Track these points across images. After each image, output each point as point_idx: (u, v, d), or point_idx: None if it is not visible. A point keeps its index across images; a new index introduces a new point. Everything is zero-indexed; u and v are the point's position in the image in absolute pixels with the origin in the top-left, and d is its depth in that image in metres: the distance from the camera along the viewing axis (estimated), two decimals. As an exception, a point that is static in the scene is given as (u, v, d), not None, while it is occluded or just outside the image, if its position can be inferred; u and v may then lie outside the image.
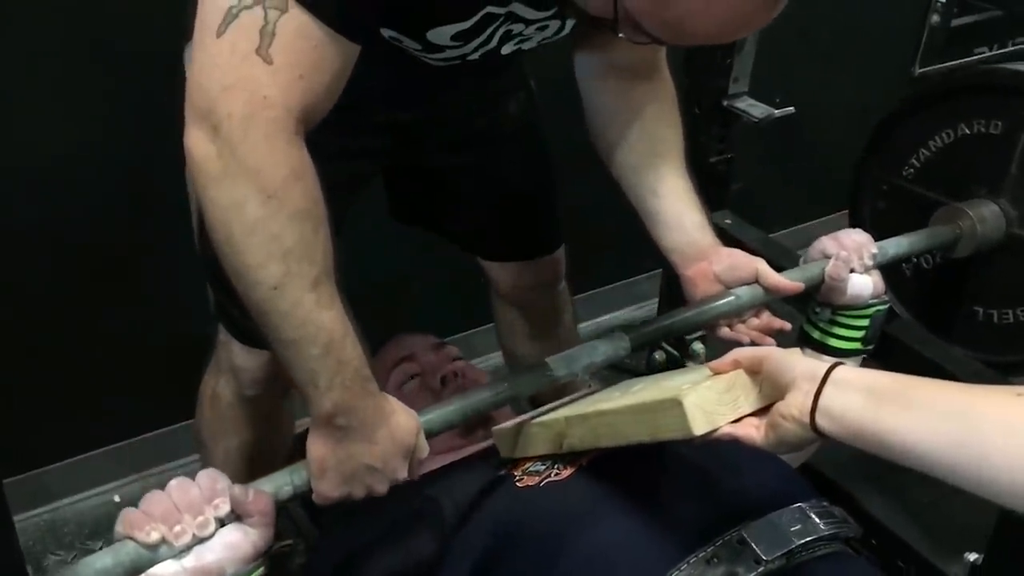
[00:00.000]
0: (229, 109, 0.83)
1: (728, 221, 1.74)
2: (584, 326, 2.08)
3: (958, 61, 2.57)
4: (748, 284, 1.23)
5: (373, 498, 1.00)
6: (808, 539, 0.97)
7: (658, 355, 2.09)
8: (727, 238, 1.29)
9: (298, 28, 0.85)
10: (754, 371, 0.91)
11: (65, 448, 1.89)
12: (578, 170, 1.52)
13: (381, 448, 0.95)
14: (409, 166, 1.42)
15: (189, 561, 0.83)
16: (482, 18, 1.01)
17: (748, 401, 0.91)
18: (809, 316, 1.35)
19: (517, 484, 1.09)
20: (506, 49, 1.10)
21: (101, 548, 1.75)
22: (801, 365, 0.86)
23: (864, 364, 1.33)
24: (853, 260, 1.27)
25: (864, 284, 1.28)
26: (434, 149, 1.37)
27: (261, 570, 0.88)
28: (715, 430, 0.89)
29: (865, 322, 1.30)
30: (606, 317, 2.46)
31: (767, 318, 1.26)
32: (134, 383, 1.86)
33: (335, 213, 0.91)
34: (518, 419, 1.17)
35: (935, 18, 2.46)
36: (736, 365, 0.93)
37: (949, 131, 1.68)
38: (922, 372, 0.84)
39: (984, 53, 2.62)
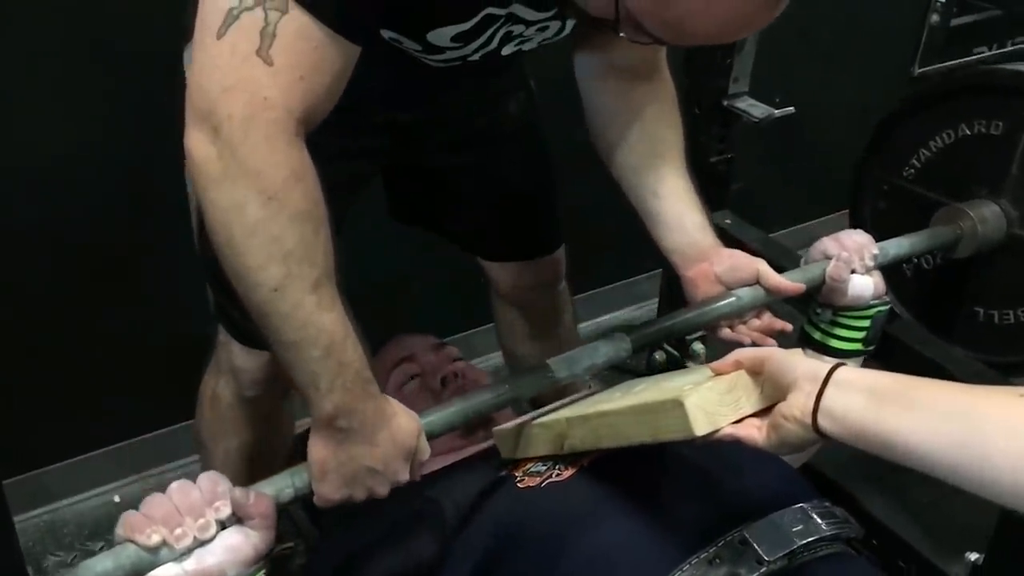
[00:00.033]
0: (229, 111, 0.83)
1: (728, 221, 1.74)
2: (584, 326, 2.08)
3: (958, 61, 2.57)
4: (749, 285, 1.23)
5: (374, 500, 0.99)
6: (810, 539, 0.97)
7: (658, 355, 2.09)
8: (727, 238, 1.29)
9: (298, 29, 0.84)
10: (756, 372, 0.91)
11: (65, 448, 1.89)
12: (578, 170, 1.51)
13: (382, 450, 0.95)
14: (409, 166, 1.42)
15: (190, 564, 0.83)
16: (482, 19, 1.00)
17: (750, 402, 0.91)
18: (810, 317, 1.34)
19: (518, 485, 1.09)
20: (506, 50, 1.09)
21: (101, 549, 1.76)
22: (803, 366, 0.86)
23: (865, 364, 1.33)
24: (854, 261, 1.27)
25: (865, 285, 1.27)
26: (434, 149, 1.37)
27: (262, 573, 0.88)
28: (717, 431, 0.89)
29: (866, 323, 1.30)
30: (606, 317, 2.46)
31: (768, 319, 1.26)
32: (134, 383, 1.86)
33: (335, 213, 0.91)
34: (519, 420, 1.17)
35: (935, 18, 2.46)
36: (738, 366, 0.93)
37: (950, 131, 1.68)
38: (923, 372, 0.84)
39: (983, 53, 2.62)
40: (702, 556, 0.95)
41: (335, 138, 0.93)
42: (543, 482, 1.07)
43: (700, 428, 0.88)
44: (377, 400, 0.95)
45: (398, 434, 0.96)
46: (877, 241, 1.33)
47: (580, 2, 0.95)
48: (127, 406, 1.88)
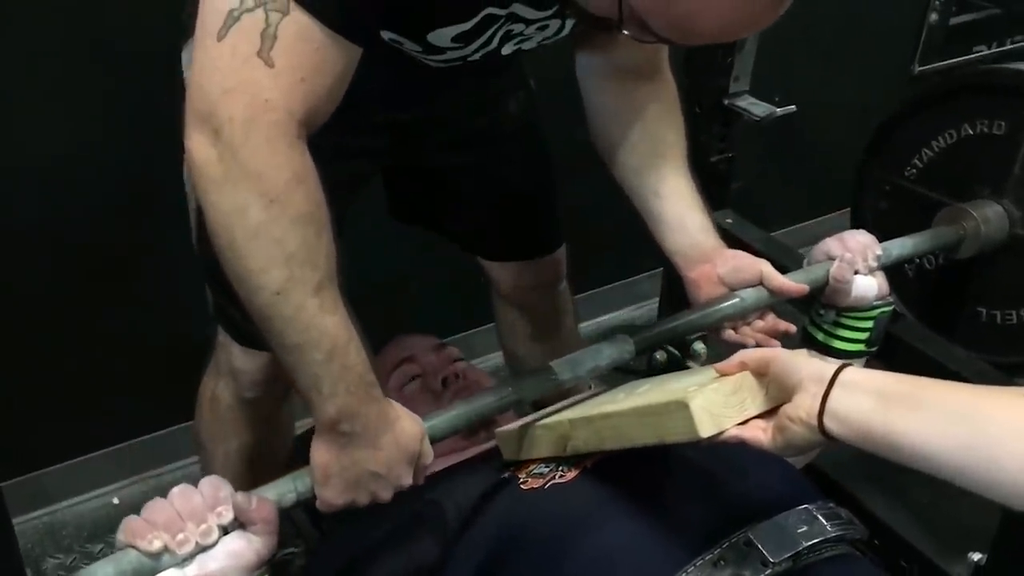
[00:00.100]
0: (230, 113, 0.83)
1: (729, 220, 1.74)
2: (584, 326, 2.08)
3: (957, 59, 2.57)
4: (752, 286, 1.22)
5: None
6: (815, 541, 0.97)
7: (659, 355, 2.08)
8: (728, 238, 1.29)
9: (299, 31, 0.84)
10: (761, 373, 0.91)
11: (64, 450, 1.89)
12: (578, 170, 1.51)
13: (385, 454, 0.95)
14: (409, 166, 1.42)
15: (192, 570, 0.83)
16: (483, 19, 1.00)
17: (755, 403, 0.91)
18: (813, 318, 1.34)
19: (521, 487, 1.08)
20: (506, 49, 1.09)
21: (100, 551, 1.76)
22: (808, 367, 0.86)
23: (868, 364, 1.32)
24: (857, 262, 1.26)
25: (868, 286, 1.27)
26: (434, 149, 1.37)
27: (265, 577, 0.88)
28: (721, 432, 0.89)
29: (869, 324, 1.29)
30: (606, 317, 2.46)
31: (772, 320, 1.26)
32: (133, 384, 1.86)
33: (335, 213, 0.91)
34: (521, 421, 1.17)
35: (934, 16, 2.46)
36: (742, 367, 0.92)
37: (952, 131, 1.68)
38: (926, 372, 0.84)
39: (983, 51, 2.62)
40: (707, 558, 0.94)
41: (335, 138, 0.92)
42: (546, 484, 1.07)
43: (705, 430, 0.87)
44: (380, 404, 0.95)
45: (401, 438, 0.96)
46: (879, 241, 1.33)
47: (583, 2, 0.94)
48: (126, 407, 1.88)
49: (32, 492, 1.86)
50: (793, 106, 1.75)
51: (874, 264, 1.28)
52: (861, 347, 1.31)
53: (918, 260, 1.74)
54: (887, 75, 2.50)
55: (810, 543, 0.96)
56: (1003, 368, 1.52)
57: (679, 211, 1.25)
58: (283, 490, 0.93)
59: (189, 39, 1.13)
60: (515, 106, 1.41)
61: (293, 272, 0.86)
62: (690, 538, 0.96)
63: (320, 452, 0.94)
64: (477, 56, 1.07)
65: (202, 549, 0.83)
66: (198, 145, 0.84)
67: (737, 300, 1.21)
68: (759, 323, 1.25)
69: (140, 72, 1.54)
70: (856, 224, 1.83)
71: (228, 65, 0.83)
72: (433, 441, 1.01)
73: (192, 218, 1.24)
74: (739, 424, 0.90)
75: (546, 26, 1.07)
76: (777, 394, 0.89)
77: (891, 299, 1.32)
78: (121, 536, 0.83)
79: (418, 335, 1.57)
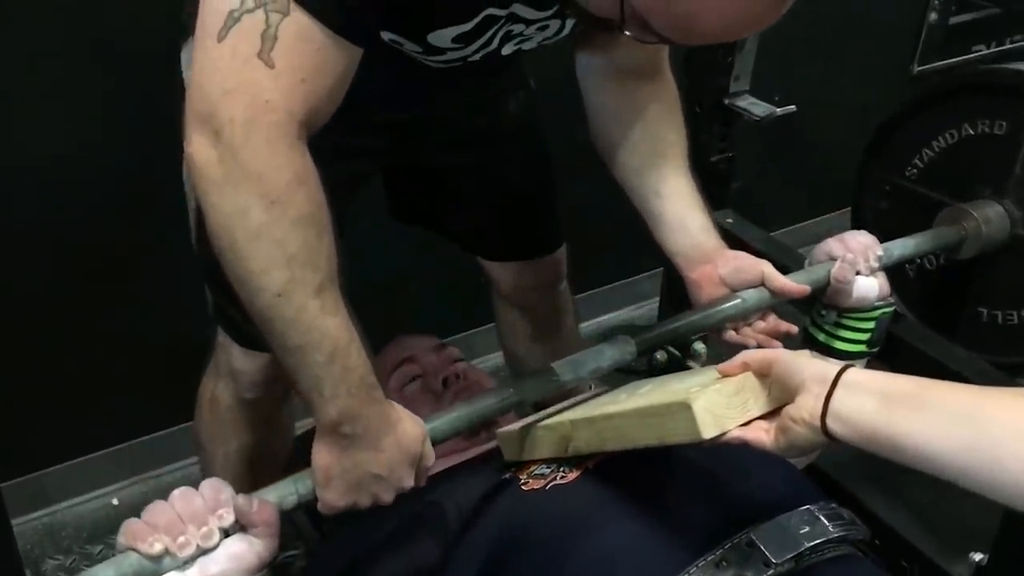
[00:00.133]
0: (231, 114, 0.82)
1: (730, 220, 1.73)
2: (585, 326, 2.08)
3: (957, 59, 2.57)
4: (754, 287, 1.22)
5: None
6: (817, 541, 0.96)
7: (660, 355, 2.08)
8: (729, 238, 1.29)
9: (300, 31, 0.84)
10: (763, 374, 0.91)
11: (63, 451, 1.88)
12: (578, 170, 1.51)
13: (387, 456, 0.94)
14: (409, 165, 1.41)
15: (193, 573, 0.82)
16: (483, 20, 1.00)
17: (757, 404, 0.90)
18: (814, 318, 1.34)
19: (522, 488, 1.08)
20: (507, 50, 1.09)
21: (100, 552, 1.75)
22: (811, 368, 0.86)
23: (869, 365, 1.32)
24: (859, 262, 1.26)
25: (870, 286, 1.27)
26: (434, 148, 1.36)
27: (266, 580, 0.88)
28: (724, 433, 0.88)
29: (871, 324, 1.29)
30: (606, 317, 2.46)
31: (773, 321, 1.25)
32: (133, 384, 1.86)
33: (335, 213, 0.90)
34: (522, 422, 1.16)
35: (933, 16, 2.47)
36: (745, 368, 0.92)
37: (953, 131, 1.68)
38: (928, 372, 0.84)
39: (982, 51, 2.62)
40: (709, 559, 0.94)
41: (334, 138, 0.92)
42: (547, 485, 1.06)
43: (708, 431, 0.87)
44: (382, 405, 0.95)
45: (403, 440, 0.96)
46: (880, 242, 1.32)
47: (584, 2, 0.94)
48: (126, 407, 1.88)
49: (31, 493, 1.86)
50: (793, 106, 1.75)
51: (875, 265, 1.28)
52: (862, 348, 1.31)
53: (919, 260, 1.74)
54: (887, 75, 2.50)
55: (812, 544, 0.96)
56: (1004, 368, 1.52)
57: (680, 212, 1.25)
58: (284, 492, 0.93)
59: (188, 38, 1.13)
60: (515, 106, 1.41)
61: (294, 274, 0.86)
62: (692, 539, 0.96)
63: (321, 454, 0.94)
64: (477, 57, 1.07)
65: (203, 552, 0.83)
66: (198, 146, 0.84)
67: (739, 301, 1.21)
68: (760, 324, 1.24)
69: (140, 72, 1.53)
70: (857, 224, 1.83)
71: (228, 66, 0.83)
72: (435, 443, 1.01)
73: (191, 218, 1.24)
74: (741, 425, 0.89)
75: (546, 26, 1.07)
76: (779, 395, 0.89)
77: (892, 300, 1.32)
78: (122, 539, 0.82)
79: (418, 335, 1.56)
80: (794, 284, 1.22)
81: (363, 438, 0.93)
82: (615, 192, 1.30)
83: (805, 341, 1.34)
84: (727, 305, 1.21)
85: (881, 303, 1.29)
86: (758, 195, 1.99)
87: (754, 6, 0.83)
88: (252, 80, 0.83)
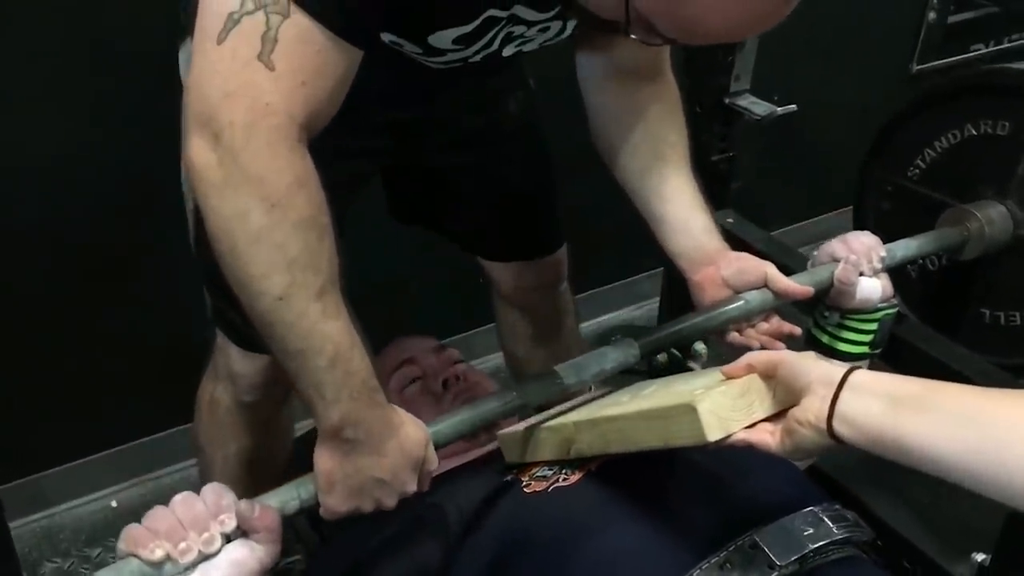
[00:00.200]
0: (231, 117, 0.82)
1: (731, 220, 1.73)
2: (585, 326, 2.07)
3: (956, 58, 2.57)
4: (757, 288, 1.21)
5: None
6: (821, 543, 0.96)
7: (660, 356, 2.08)
8: (730, 238, 1.28)
9: (300, 33, 0.83)
10: (768, 375, 0.90)
11: (62, 452, 1.87)
12: (578, 170, 1.51)
13: (390, 461, 0.94)
14: (409, 165, 1.41)
15: (194, 578, 0.82)
16: (484, 21, 0.99)
17: (763, 406, 0.90)
18: (817, 320, 1.33)
19: (524, 490, 1.07)
20: (507, 51, 1.08)
21: (99, 555, 1.75)
22: (816, 369, 0.86)
23: (871, 366, 1.32)
24: (862, 263, 1.26)
25: (873, 288, 1.26)
26: (434, 148, 1.36)
27: (267, 586, 0.87)
28: (729, 436, 0.88)
29: (874, 326, 1.29)
30: (606, 317, 2.46)
31: (777, 322, 1.25)
32: (133, 385, 1.85)
33: (335, 213, 0.90)
34: (524, 424, 1.16)
35: (932, 15, 2.47)
36: (750, 369, 0.92)
37: (955, 132, 1.68)
38: (930, 373, 0.83)
39: (981, 50, 2.62)
40: (712, 561, 0.94)
41: (334, 138, 0.91)
42: (550, 487, 1.06)
43: (713, 434, 0.87)
44: (384, 409, 0.94)
45: (406, 444, 0.95)
46: (882, 242, 1.32)
47: (589, 5, 0.93)
48: (125, 409, 1.87)
49: (29, 495, 1.85)
50: (794, 105, 1.74)
51: (878, 266, 1.28)
52: (865, 349, 1.30)
53: (921, 261, 1.74)
54: (887, 74, 2.50)
55: (816, 546, 0.96)
56: (1007, 370, 1.52)
57: (682, 213, 1.24)
58: (286, 497, 0.93)
59: (187, 39, 1.13)
60: (515, 106, 1.40)
61: (295, 277, 0.85)
62: (695, 541, 0.96)
63: (323, 459, 0.93)
64: (478, 58, 1.06)
65: (204, 558, 0.83)
66: (198, 149, 0.83)
67: (742, 303, 1.20)
68: (764, 325, 1.24)
69: (140, 72, 1.53)
70: (858, 225, 1.83)
71: (228, 68, 0.82)
72: (437, 446, 1.00)
73: (190, 220, 1.24)
74: (746, 427, 0.89)
75: (547, 28, 1.07)
76: (785, 397, 0.88)
77: (895, 301, 1.31)
78: (122, 545, 0.82)
79: (418, 337, 1.56)
80: (797, 285, 1.21)
81: (365, 443, 0.92)
82: (615, 192, 1.30)
83: (808, 343, 1.34)
84: (730, 307, 1.20)
85: (884, 304, 1.29)
86: (758, 195, 1.99)
87: (759, 7, 0.83)
88: (252, 82, 0.82)
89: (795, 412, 0.85)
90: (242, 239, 0.84)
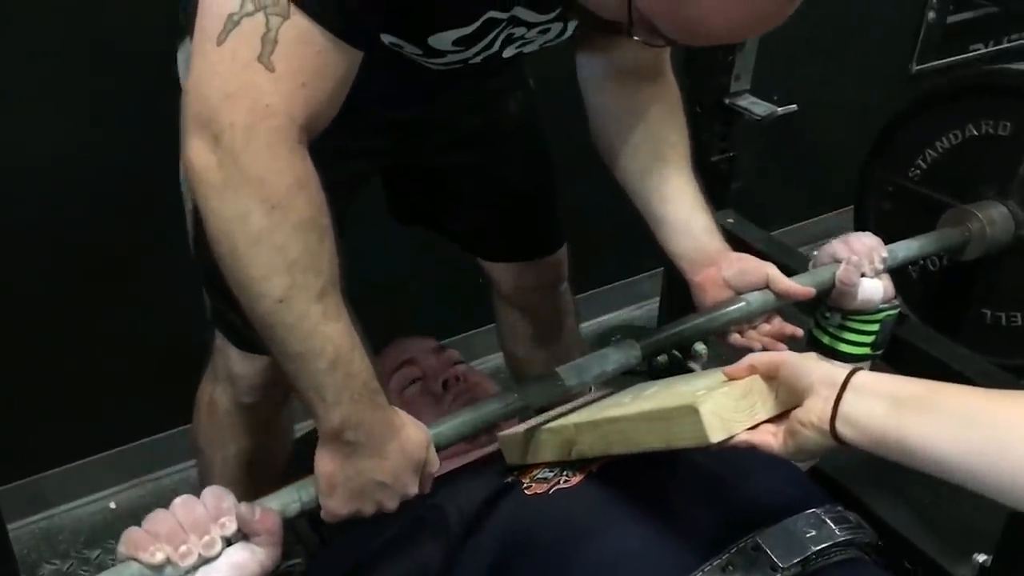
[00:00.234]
0: (231, 118, 0.81)
1: (731, 220, 1.73)
2: (585, 326, 2.07)
3: (955, 58, 2.58)
4: (758, 289, 1.21)
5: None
6: (824, 545, 0.96)
7: (660, 356, 2.07)
8: (730, 238, 1.28)
9: (300, 35, 0.83)
10: (770, 376, 0.90)
11: (60, 454, 1.87)
12: (578, 170, 1.51)
13: (391, 463, 0.94)
14: (409, 165, 1.41)
15: (195, 582, 0.81)
16: (484, 23, 0.99)
17: (765, 408, 0.89)
18: (818, 321, 1.33)
19: (525, 492, 1.07)
20: (508, 52, 1.08)
21: (97, 557, 1.74)
22: (819, 371, 0.85)
23: (872, 367, 1.32)
24: (864, 264, 1.25)
25: (875, 288, 1.26)
26: (434, 148, 1.36)
27: (269, 589, 0.87)
28: (731, 437, 0.88)
29: (875, 327, 1.29)
30: (606, 317, 2.45)
31: (778, 323, 1.24)
32: (132, 386, 1.85)
33: (335, 213, 0.89)
34: (524, 425, 1.16)
35: (931, 15, 2.47)
36: (752, 370, 0.91)
37: (956, 132, 1.68)
38: (931, 374, 0.83)
39: (980, 50, 2.62)
40: (715, 563, 0.93)
41: (334, 139, 0.91)
42: (551, 489, 1.06)
43: (715, 435, 0.86)
44: (386, 411, 0.94)
45: (407, 446, 0.95)
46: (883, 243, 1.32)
47: (591, 6, 0.93)
48: (124, 410, 1.87)
49: (28, 496, 1.85)
50: (794, 105, 1.74)
51: (880, 267, 1.27)
52: (867, 350, 1.30)
53: (922, 262, 1.74)
54: (886, 74, 2.50)
55: (819, 548, 0.95)
56: (1007, 371, 1.52)
57: (683, 214, 1.24)
58: (287, 500, 0.92)
59: (186, 39, 1.13)
60: (514, 106, 1.40)
61: (295, 279, 0.85)
62: (697, 543, 0.95)
63: (324, 462, 0.93)
64: (478, 59, 1.06)
65: (205, 561, 0.82)
66: (197, 151, 0.83)
67: (743, 304, 1.20)
68: (765, 327, 1.23)
69: (140, 72, 1.52)
70: (859, 225, 1.83)
71: (228, 70, 0.82)
72: (439, 448, 1.00)
73: (188, 221, 1.23)
74: (749, 429, 0.89)
75: (548, 29, 1.07)
76: (787, 398, 0.88)
77: (897, 302, 1.31)
78: (122, 548, 0.81)
79: (417, 337, 1.56)
80: (799, 286, 1.21)
81: (367, 445, 0.92)
82: (615, 192, 1.29)
83: (809, 344, 1.33)
84: (732, 308, 1.20)
85: (886, 305, 1.28)
86: (758, 195, 1.99)
87: (762, 8, 0.83)
88: (252, 84, 0.82)
89: (798, 413, 0.85)
90: (242, 241, 0.83)
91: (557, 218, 1.56)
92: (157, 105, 1.12)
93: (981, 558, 1.32)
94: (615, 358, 1.14)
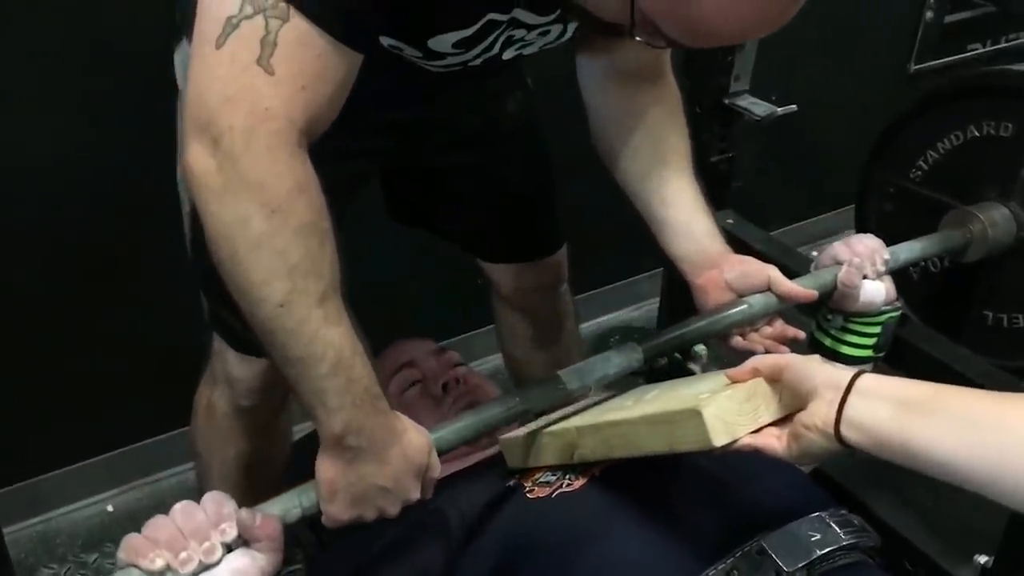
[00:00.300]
0: (230, 122, 0.81)
1: (730, 221, 1.73)
2: (584, 326, 2.07)
3: (953, 58, 2.58)
4: (760, 292, 1.20)
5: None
6: (829, 549, 0.96)
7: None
8: (729, 238, 1.28)
9: (300, 37, 0.82)
10: (773, 379, 0.90)
11: (57, 457, 1.87)
12: (578, 170, 1.50)
13: (393, 468, 0.93)
14: (408, 166, 1.40)
15: (196, 588, 0.81)
16: (484, 25, 0.99)
17: (768, 411, 0.89)
18: (820, 323, 1.32)
19: (528, 496, 1.07)
20: (508, 54, 1.08)
21: (95, 560, 1.74)
22: (822, 373, 0.85)
23: (874, 369, 1.31)
24: (866, 266, 1.25)
25: (877, 290, 1.26)
26: (433, 149, 1.35)
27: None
28: (735, 441, 0.87)
29: (877, 329, 1.28)
30: (606, 318, 2.45)
31: (780, 326, 1.24)
32: (131, 388, 1.84)
33: (334, 213, 0.89)
34: (526, 428, 1.15)
35: (929, 14, 2.47)
36: (755, 373, 0.91)
37: (958, 133, 1.68)
38: (933, 375, 0.83)
39: (978, 50, 2.63)
40: (719, 567, 0.93)
41: (333, 139, 0.91)
42: (553, 492, 1.06)
43: (719, 439, 0.86)
44: (387, 416, 0.93)
45: (409, 450, 0.94)
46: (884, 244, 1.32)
47: (592, 7, 0.92)
48: (122, 412, 1.87)
49: (25, 500, 1.85)
50: (794, 105, 1.74)
51: (882, 269, 1.27)
52: (869, 352, 1.30)
53: (923, 263, 1.74)
54: (885, 74, 2.50)
55: (823, 551, 0.95)
56: (1010, 372, 1.51)
57: (684, 217, 1.24)
58: (288, 506, 0.92)
59: (181, 40, 1.12)
60: (514, 106, 1.40)
61: (296, 284, 0.84)
62: (701, 547, 0.95)
63: (326, 467, 0.92)
64: (478, 62, 1.06)
65: (205, 567, 0.82)
66: (197, 155, 0.82)
67: (745, 306, 1.19)
68: (767, 329, 1.23)
69: (139, 72, 1.52)
70: (860, 226, 1.83)
71: (228, 73, 0.81)
72: (440, 453, 0.99)
73: (186, 223, 1.23)
74: (752, 432, 0.88)
75: (548, 31, 1.06)
76: (791, 401, 0.88)
77: (899, 304, 1.31)
78: (122, 554, 0.81)
79: (417, 339, 1.56)
80: (801, 289, 1.20)
81: (368, 450, 0.91)
82: (615, 192, 1.29)
83: (811, 346, 1.33)
84: (734, 311, 1.19)
85: (888, 307, 1.28)
86: (758, 195, 1.99)
87: (766, 9, 0.83)
88: (252, 87, 0.81)
89: (802, 416, 0.85)
90: (242, 245, 0.83)
91: (557, 219, 1.56)
92: (156, 105, 1.12)
93: (982, 559, 1.32)
94: (617, 361, 1.13)
